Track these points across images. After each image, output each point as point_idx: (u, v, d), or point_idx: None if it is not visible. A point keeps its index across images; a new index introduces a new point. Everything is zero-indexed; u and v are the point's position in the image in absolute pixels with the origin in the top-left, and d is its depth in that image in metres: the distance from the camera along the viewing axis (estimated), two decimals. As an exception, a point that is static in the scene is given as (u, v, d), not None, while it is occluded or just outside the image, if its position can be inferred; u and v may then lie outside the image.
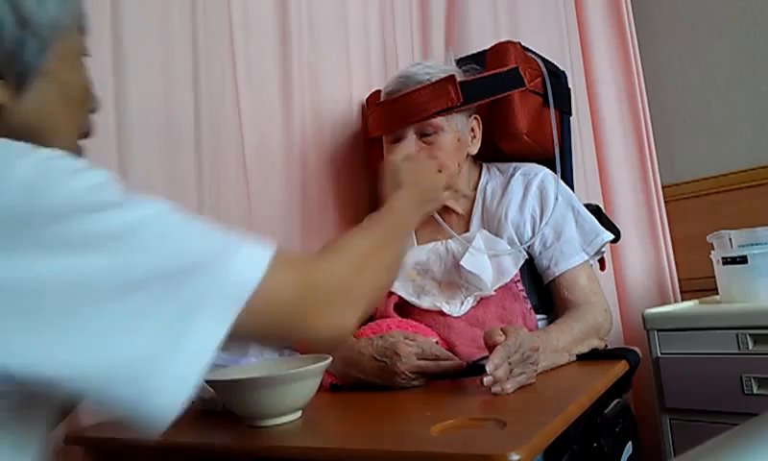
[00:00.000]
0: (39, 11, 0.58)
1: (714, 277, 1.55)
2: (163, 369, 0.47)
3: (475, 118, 1.22)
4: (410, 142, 1.16)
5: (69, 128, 0.64)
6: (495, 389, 0.80)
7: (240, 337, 0.53)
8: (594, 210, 1.24)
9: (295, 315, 0.57)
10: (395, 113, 1.18)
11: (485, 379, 0.80)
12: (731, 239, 1.51)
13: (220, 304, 0.50)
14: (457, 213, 1.24)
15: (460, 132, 1.18)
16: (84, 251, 0.47)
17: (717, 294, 1.57)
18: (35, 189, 0.47)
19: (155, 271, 0.49)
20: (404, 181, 0.91)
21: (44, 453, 0.57)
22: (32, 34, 0.58)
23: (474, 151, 1.22)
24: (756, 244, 1.45)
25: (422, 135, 1.16)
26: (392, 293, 1.18)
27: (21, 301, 0.45)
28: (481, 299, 1.13)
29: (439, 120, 1.16)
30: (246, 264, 0.53)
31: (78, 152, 0.66)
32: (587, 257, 1.14)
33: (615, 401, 1.05)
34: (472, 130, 1.21)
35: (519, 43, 1.29)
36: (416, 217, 0.92)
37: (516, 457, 0.56)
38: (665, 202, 1.95)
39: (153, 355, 0.47)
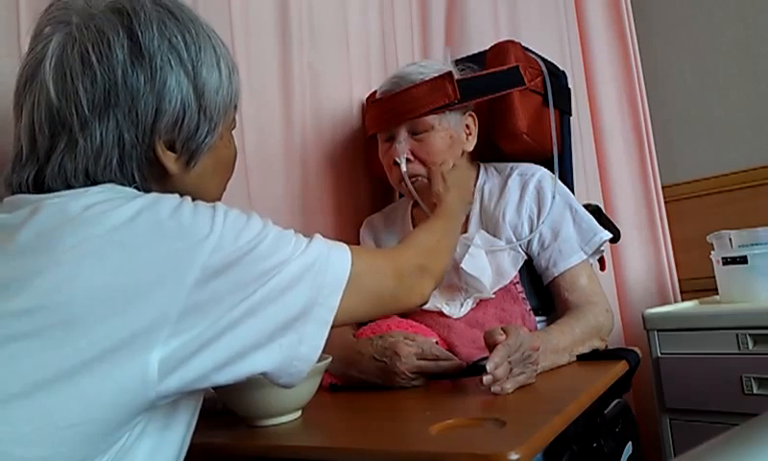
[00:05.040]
0: (216, 98, 0.68)
1: (714, 277, 1.55)
2: (305, 340, 0.63)
3: (470, 115, 1.21)
4: (401, 141, 1.16)
5: (218, 191, 0.76)
6: (495, 388, 0.80)
7: (355, 314, 0.69)
8: (594, 210, 1.24)
9: (394, 294, 0.74)
10: (387, 112, 1.18)
11: (485, 378, 0.80)
12: (731, 239, 1.50)
13: (330, 290, 0.65)
14: (456, 213, 1.24)
15: (452, 129, 1.17)
16: (264, 276, 0.60)
17: (717, 294, 1.57)
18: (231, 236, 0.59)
19: (295, 273, 0.62)
20: (452, 185, 1.10)
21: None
22: (208, 118, 0.68)
23: (470, 148, 1.22)
24: (756, 244, 1.45)
25: (414, 134, 1.16)
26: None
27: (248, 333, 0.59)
28: (480, 300, 1.13)
29: (430, 118, 1.15)
30: (338, 261, 0.67)
31: None
32: (585, 257, 1.14)
33: (615, 401, 1.05)
34: (467, 127, 1.21)
35: (519, 43, 1.29)
36: (462, 213, 1.13)
37: (516, 457, 0.56)
38: (665, 202, 1.94)
39: (297, 319, 0.62)
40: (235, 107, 0.74)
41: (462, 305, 1.13)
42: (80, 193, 0.61)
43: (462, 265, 1.13)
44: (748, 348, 1.37)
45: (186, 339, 0.55)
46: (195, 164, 0.69)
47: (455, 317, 1.12)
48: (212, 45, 0.69)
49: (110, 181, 0.64)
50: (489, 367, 0.80)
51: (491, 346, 0.84)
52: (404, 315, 1.15)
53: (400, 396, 0.94)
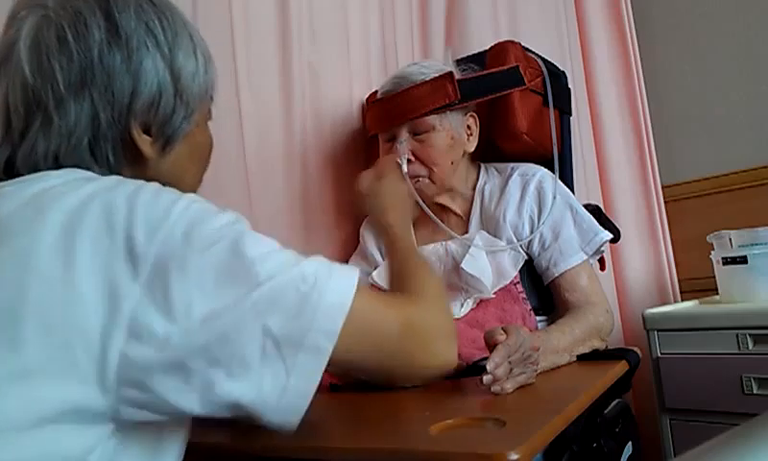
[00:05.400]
0: (192, 83, 0.68)
1: (714, 277, 1.55)
2: (295, 371, 0.55)
3: (471, 116, 1.21)
4: (402, 141, 1.16)
5: (194, 182, 0.74)
6: (495, 388, 0.80)
7: (351, 355, 0.60)
8: (594, 210, 1.24)
9: (401, 352, 0.64)
10: (389, 112, 1.18)
11: (484, 378, 0.80)
12: (731, 239, 1.50)
13: (328, 314, 0.57)
14: (455, 214, 1.24)
15: (454, 130, 1.17)
16: (232, 285, 0.54)
17: (717, 294, 1.57)
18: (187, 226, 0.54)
19: (276, 289, 0.55)
20: (387, 205, 1.01)
21: None
22: (184, 103, 0.67)
23: (471, 148, 1.22)
24: (756, 244, 1.45)
25: (415, 134, 1.16)
26: (392, 293, 1.18)
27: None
28: (481, 301, 1.13)
29: (431, 118, 1.15)
30: (342, 281, 0.59)
31: None
32: (585, 257, 1.14)
33: (615, 401, 1.05)
34: (468, 127, 1.21)
35: (519, 43, 1.29)
36: (411, 236, 1.01)
37: (515, 457, 0.56)
38: (665, 202, 1.94)
39: (284, 346, 0.54)
40: (211, 97, 0.74)
41: (462, 305, 1.13)
42: (37, 178, 0.59)
43: (462, 265, 1.13)
44: (748, 348, 1.37)
45: (144, 342, 0.51)
46: (171, 150, 0.68)
47: (455, 317, 1.12)
48: (188, 33, 0.69)
49: (76, 164, 0.62)
50: (489, 367, 0.80)
51: (491, 345, 0.84)
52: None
53: (400, 396, 0.94)
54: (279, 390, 0.55)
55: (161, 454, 0.59)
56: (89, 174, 0.61)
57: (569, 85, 1.42)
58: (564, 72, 1.41)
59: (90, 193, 0.55)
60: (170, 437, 0.60)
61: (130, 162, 0.66)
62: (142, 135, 0.65)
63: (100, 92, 0.62)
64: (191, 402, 0.53)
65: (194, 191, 0.74)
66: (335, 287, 0.58)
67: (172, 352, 0.51)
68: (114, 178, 0.59)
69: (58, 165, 0.62)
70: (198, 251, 0.53)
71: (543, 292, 1.18)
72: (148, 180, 0.60)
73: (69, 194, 0.55)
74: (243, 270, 0.54)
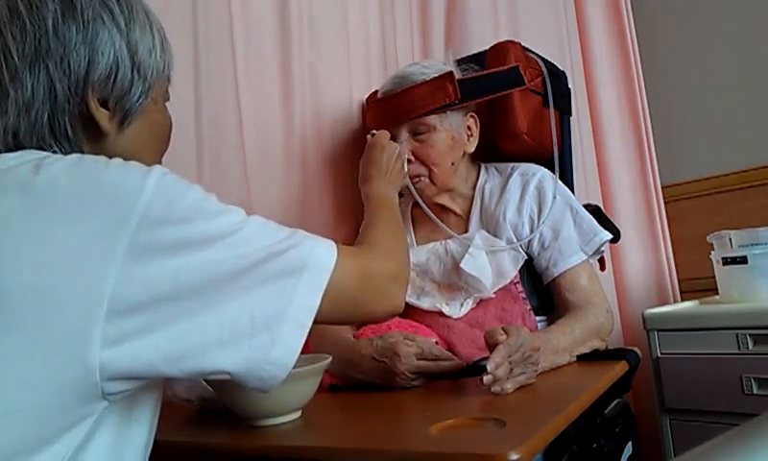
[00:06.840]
0: (149, 59, 0.68)
1: (714, 277, 1.55)
2: (278, 329, 0.58)
3: (472, 116, 1.21)
4: (402, 141, 1.16)
5: (152, 162, 0.72)
6: (495, 388, 0.81)
7: (323, 318, 0.62)
8: (594, 210, 1.24)
9: (358, 300, 0.67)
10: (389, 112, 1.18)
11: (485, 378, 0.80)
12: (731, 239, 1.51)
13: (311, 275, 0.61)
14: (455, 213, 1.24)
15: (454, 130, 1.18)
16: (206, 247, 0.56)
17: (717, 294, 1.57)
18: (164, 200, 0.55)
19: (256, 258, 0.58)
20: (375, 173, 1.05)
21: None
22: (141, 78, 0.67)
23: (471, 149, 1.22)
24: (757, 244, 1.45)
25: (415, 134, 1.16)
26: (391, 293, 1.18)
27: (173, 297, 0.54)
28: (480, 300, 1.13)
29: (431, 118, 1.15)
30: (323, 248, 0.64)
31: None
32: (585, 257, 1.14)
33: (615, 402, 1.05)
34: (469, 128, 1.21)
35: (519, 43, 1.29)
36: (396, 199, 1.04)
37: (516, 457, 0.56)
38: (665, 202, 1.94)
39: (269, 319, 0.58)
40: (168, 78, 0.74)
41: (462, 305, 1.13)
42: None
43: (462, 265, 1.13)
44: (748, 348, 1.37)
45: (130, 317, 0.52)
46: (129, 125, 0.68)
47: (455, 317, 1.12)
48: (144, 10, 0.69)
49: (38, 145, 0.62)
50: (489, 367, 0.80)
51: (491, 346, 0.84)
52: (404, 315, 1.15)
53: (400, 396, 0.94)
54: (263, 359, 0.58)
55: (133, 414, 0.60)
56: (46, 154, 0.60)
57: (569, 85, 1.42)
58: (563, 72, 1.41)
59: (57, 172, 0.55)
60: (143, 397, 0.61)
61: (88, 138, 0.66)
62: (100, 109, 0.65)
63: (56, 63, 0.61)
64: (177, 369, 0.55)
65: None
66: (317, 260, 0.62)
67: (160, 319, 0.54)
68: (75, 155, 0.59)
69: (18, 144, 0.62)
70: (179, 221, 0.56)
71: (543, 292, 1.18)
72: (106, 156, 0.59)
73: (32, 175, 0.55)
74: (218, 229, 0.58)
